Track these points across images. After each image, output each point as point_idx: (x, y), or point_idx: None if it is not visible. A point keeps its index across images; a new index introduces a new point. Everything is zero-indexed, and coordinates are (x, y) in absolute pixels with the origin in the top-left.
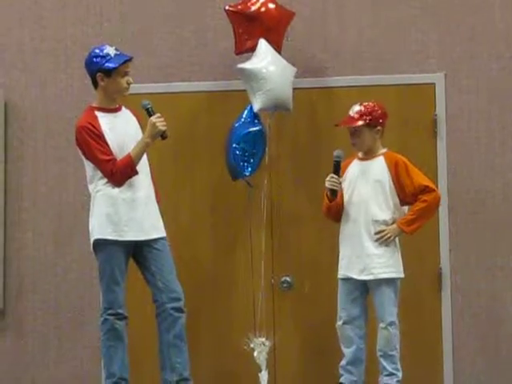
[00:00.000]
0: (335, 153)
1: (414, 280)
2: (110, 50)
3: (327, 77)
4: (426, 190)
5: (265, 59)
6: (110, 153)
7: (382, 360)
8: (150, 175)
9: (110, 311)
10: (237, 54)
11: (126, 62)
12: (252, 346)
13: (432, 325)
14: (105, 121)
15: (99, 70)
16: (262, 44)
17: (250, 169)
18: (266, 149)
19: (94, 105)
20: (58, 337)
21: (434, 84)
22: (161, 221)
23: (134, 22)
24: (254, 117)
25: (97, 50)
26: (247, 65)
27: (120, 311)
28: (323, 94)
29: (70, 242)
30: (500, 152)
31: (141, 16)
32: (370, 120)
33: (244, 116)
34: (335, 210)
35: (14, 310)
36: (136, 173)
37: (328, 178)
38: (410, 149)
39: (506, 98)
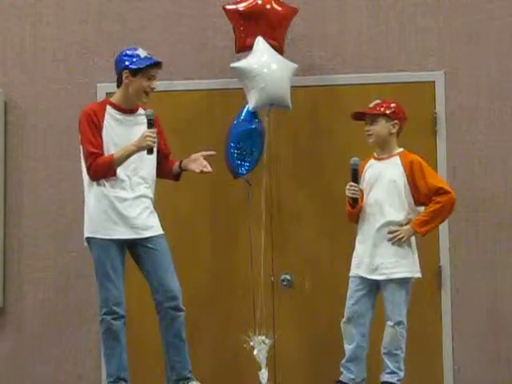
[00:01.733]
0: (352, 161)
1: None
2: (141, 52)
3: (327, 75)
4: (440, 191)
5: (258, 57)
6: (99, 147)
7: (385, 358)
8: (151, 178)
9: (105, 309)
10: (237, 53)
11: (154, 64)
12: (252, 344)
13: (432, 322)
14: (111, 117)
15: (127, 68)
16: (259, 42)
17: (246, 168)
18: (265, 147)
19: (111, 99)
20: (58, 335)
21: (433, 82)
22: (156, 219)
23: (133, 20)
24: (252, 115)
25: (128, 51)
26: (240, 63)
27: (115, 309)
28: (323, 92)
29: (71, 240)
30: (500, 150)
31: (140, 14)
32: (387, 110)
33: (242, 114)
34: (358, 216)
35: (13, 308)
36: (114, 174)
37: (348, 187)
38: (409, 147)
39: (505, 96)
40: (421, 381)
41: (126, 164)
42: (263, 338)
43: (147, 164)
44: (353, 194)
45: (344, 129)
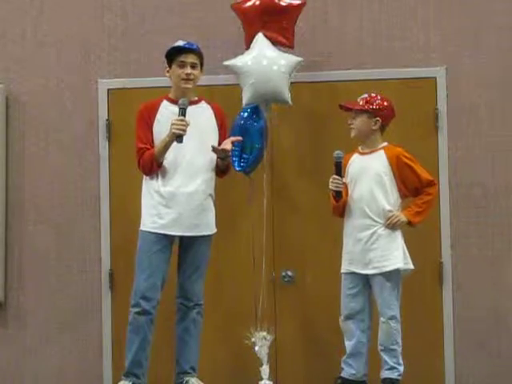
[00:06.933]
0: (335, 154)
1: (415, 274)
2: (176, 43)
3: (328, 70)
4: (431, 183)
5: (250, 53)
6: (148, 142)
7: (382, 354)
8: (209, 170)
9: (133, 301)
10: (247, 49)
11: (177, 50)
12: (253, 340)
13: (433, 319)
14: (167, 111)
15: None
16: (258, 38)
17: (241, 164)
18: (265, 143)
19: (169, 94)
20: (60, 329)
21: (435, 78)
22: (208, 217)
23: (135, 15)
24: (254, 111)
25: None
26: (231, 61)
27: (141, 302)
28: (324, 87)
29: (72, 233)
30: (501, 146)
31: (142, 9)
32: (369, 107)
33: (243, 111)
34: (343, 210)
35: (15, 303)
36: (158, 167)
37: (331, 180)
38: (411, 143)
39: (507, 92)
40: (422, 377)
41: (179, 156)
42: (264, 334)
43: (203, 155)
44: (336, 187)
45: (345, 125)
